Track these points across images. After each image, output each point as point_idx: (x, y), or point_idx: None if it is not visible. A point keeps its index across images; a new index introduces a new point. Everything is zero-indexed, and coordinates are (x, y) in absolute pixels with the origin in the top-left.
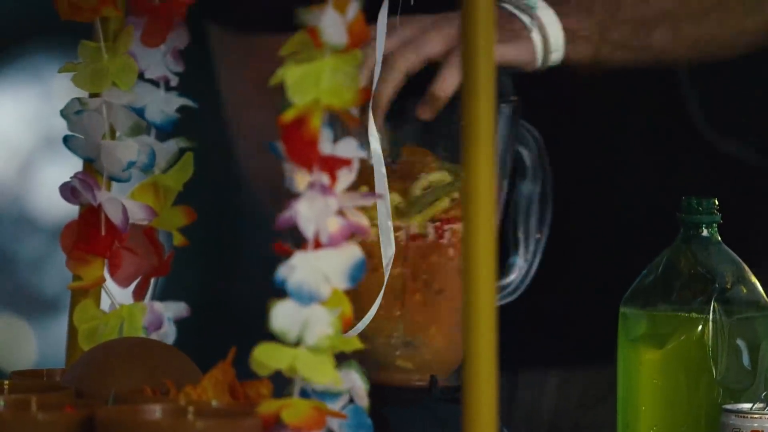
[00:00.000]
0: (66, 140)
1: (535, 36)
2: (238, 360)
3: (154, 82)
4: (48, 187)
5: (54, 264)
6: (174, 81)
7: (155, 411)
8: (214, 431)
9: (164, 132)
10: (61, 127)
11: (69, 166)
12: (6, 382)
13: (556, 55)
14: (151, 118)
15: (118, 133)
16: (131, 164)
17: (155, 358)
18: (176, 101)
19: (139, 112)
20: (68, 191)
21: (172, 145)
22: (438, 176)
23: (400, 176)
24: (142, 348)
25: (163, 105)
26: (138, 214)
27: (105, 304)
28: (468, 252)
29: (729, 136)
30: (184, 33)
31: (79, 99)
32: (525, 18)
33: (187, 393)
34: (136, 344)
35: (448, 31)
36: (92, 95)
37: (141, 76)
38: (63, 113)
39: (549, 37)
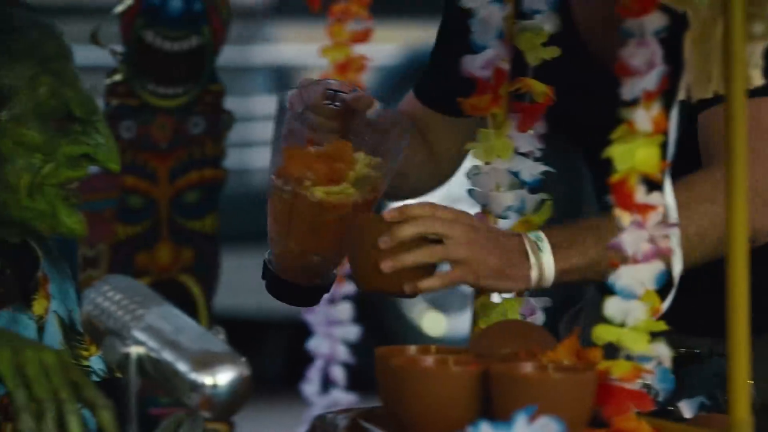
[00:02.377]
0: (469, 192)
1: (534, 273)
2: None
3: (526, 155)
4: None
5: None
6: (538, 154)
7: (527, 367)
8: (565, 381)
9: (532, 188)
10: (460, 185)
11: (468, 209)
12: (433, 347)
13: (546, 284)
14: (524, 178)
15: (501, 188)
16: (509, 208)
17: (528, 333)
18: (540, 168)
19: (516, 174)
20: None
21: (538, 197)
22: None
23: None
24: (519, 326)
25: (531, 170)
26: None
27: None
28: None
29: None
30: (543, 123)
31: (476, 165)
32: (533, 259)
33: (548, 355)
34: (515, 324)
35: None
36: (486, 163)
37: (517, 151)
38: (467, 175)
39: (543, 277)
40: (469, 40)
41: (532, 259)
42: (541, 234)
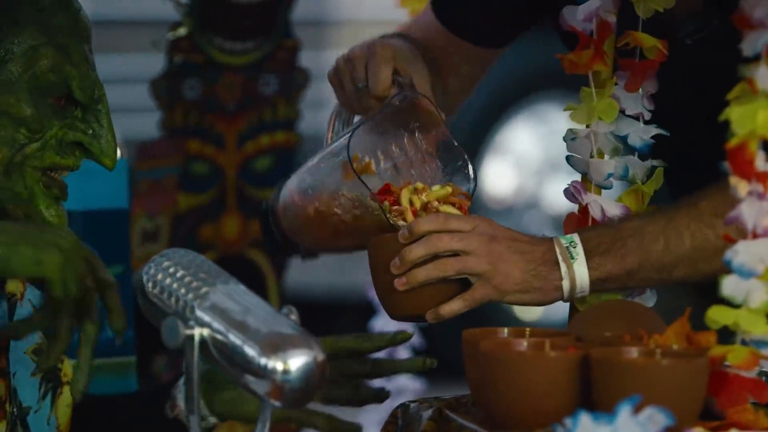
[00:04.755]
0: (567, 159)
1: (565, 284)
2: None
3: (634, 117)
4: (555, 191)
5: None
6: (647, 116)
7: (633, 352)
8: (673, 367)
9: (643, 153)
10: (562, 150)
11: (570, 176)
12: (527, 329)
13: (582, 293)
14: (632, 142)
15: (603, 154)
16: (609, 175)
17: (633, 314)
18: (652, 131)
19: (623, 139)
20: (569, 193)
21: (648, 164)
22: None
23: None
24: (623, 307)
25: (641, 133)
26: (614, 211)
27: None
28: None
29: None
30: (654, 82)
31: (571, 129)
32: (563, 268)
33: (655, 339)
34: (618, 305)
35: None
36: (586, 126)
37: (623, 113)
38: (564, 138)
39: (576, 287)
40: None
41: (563, 268)
42: (576, 238)
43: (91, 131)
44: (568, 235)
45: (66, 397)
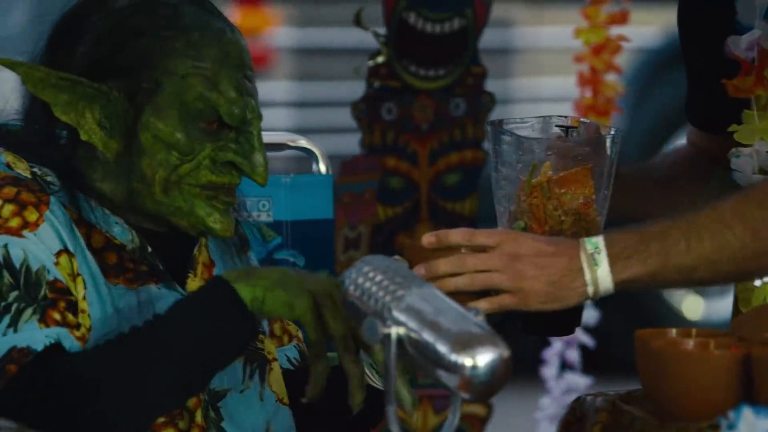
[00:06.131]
0: (731, 175)
1: (590, 289)
2: None
3: None
4: None
5: None
6: None
7: None
8: None
9: None
10: None
11: None
12: (694, 330)
13: (606, 294)
14: None
15: (764, 171)
16: None
17: None
18: None
19: None
20: None
21: None
22: None
23: None
24: None
25: None
26: None
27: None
28: None
29: None
30: None
31: (736, 148)
32: (588, 275)
33: None
34: None
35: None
36: (746, 145)
37: None
38: (728, 156)
39: (600, 290)
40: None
41: (587, 276)
42: (601, 243)
43: (241, 150)
44: (594, 240)
45: (276, 372)
